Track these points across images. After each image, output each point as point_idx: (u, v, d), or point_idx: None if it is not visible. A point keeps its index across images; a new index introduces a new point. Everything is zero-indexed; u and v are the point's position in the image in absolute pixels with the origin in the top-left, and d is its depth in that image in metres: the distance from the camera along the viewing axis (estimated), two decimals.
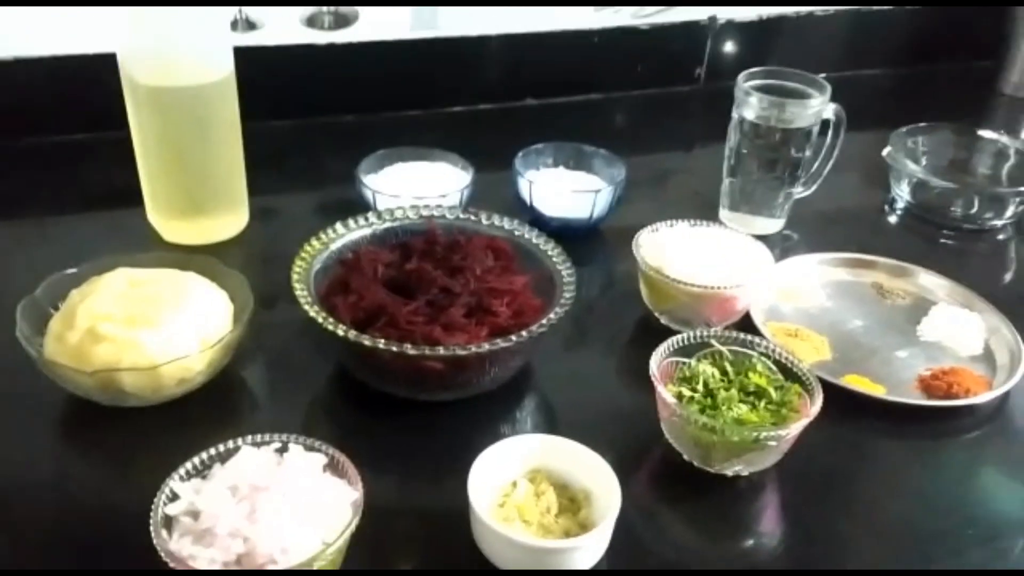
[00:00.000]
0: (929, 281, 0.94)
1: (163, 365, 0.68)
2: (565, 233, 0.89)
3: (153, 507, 0.56)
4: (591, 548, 0.60)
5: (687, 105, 1.35)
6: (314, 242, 0.79)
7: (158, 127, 0.86)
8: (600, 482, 0.63)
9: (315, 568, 0.54)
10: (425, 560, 0.63)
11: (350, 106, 1.20)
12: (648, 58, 1.32)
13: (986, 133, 1.18)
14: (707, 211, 1.02)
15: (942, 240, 1.06)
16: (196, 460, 0.59)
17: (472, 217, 0.84)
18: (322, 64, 1.16)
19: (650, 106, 1.33)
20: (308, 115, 1.17)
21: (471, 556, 0.62)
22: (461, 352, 0.68)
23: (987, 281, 0.95)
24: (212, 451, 0.59)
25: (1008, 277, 1.02)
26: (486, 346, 0.69)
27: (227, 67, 0.87)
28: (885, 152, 1.10)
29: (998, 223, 1.08)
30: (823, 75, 0.96)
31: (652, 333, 0.80)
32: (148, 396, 0.70)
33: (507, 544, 0.59)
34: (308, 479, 0.58)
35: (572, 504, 0.64)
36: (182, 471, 0.58)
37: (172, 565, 0.53)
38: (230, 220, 0.94)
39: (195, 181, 0.89)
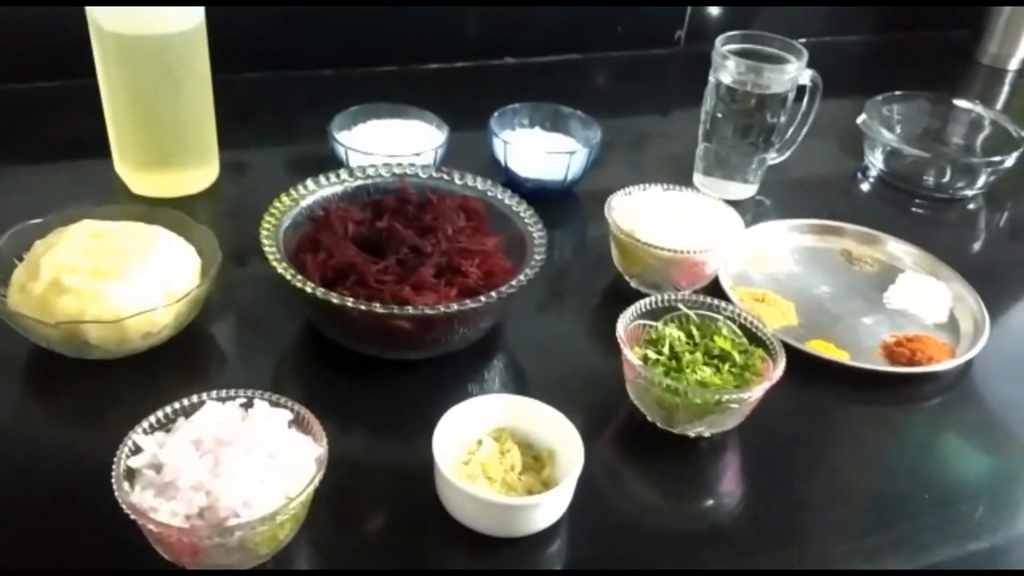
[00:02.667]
0: (897, 249, 0.94)
1: (128, 318, 0.67)
2: (539, 195, 0.89)
3: (116, 459, 0.55)
4: (552, 505, 0.61)
5: (666, 68, 1.35)
6: (284, 198, 0.78)
7: (126, 77, 0.85)
8: (564, 442, 0.64)
9: (278, 521, 0.54)
10: (389, 516, 0.63)
11: (325, 60, 1.18)
12: (629, 19, 1.31)
13: (961, 103, 1.18)
14: (682, 175, 1.03)
15: (913, 209, 1.07)
16: (160, 413, 0.59)
17: (445, 176, 0.84)
18: (296, 16, 1.14)
19: (629, 68, 1.32)
20: (281, 68, 1.16)
21: (435, 512, 0.62)
22: (429, 312, 0.68)
23: (955, 250, 0.96)
24: (176, 405, 0.59)
25: (976, 247, 1.03)
26: (455, 306, 0.69)
27: (197, 16, 0.85)
28: (860, 120, 1.10)
29: (969, 193, 1.09)
30: (802, 40, 0.96)
31: (623, 296, 0.80)
32: (113, 349, 0.69)
33: (469, 500, 0.60)
34: (273, 434, 0.58)
35: (536, 463, 0.65)
36: (146, 424, 0.58)
37: (133, 517, 0.53)
38: (200, 173, 0.93)
39: (163, 133, 0.88)
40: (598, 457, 0.67)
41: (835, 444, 0.74)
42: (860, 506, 0.68)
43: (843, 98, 1.10)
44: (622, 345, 0.69)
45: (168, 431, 0.58)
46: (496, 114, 0.99)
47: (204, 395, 0.60)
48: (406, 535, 0.62)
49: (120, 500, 0.53)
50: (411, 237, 0.76)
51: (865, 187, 1.11)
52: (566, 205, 0.98)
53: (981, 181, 1.07)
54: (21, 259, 0.73)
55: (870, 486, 0.70)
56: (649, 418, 0.71)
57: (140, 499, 0.54)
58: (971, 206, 1.08)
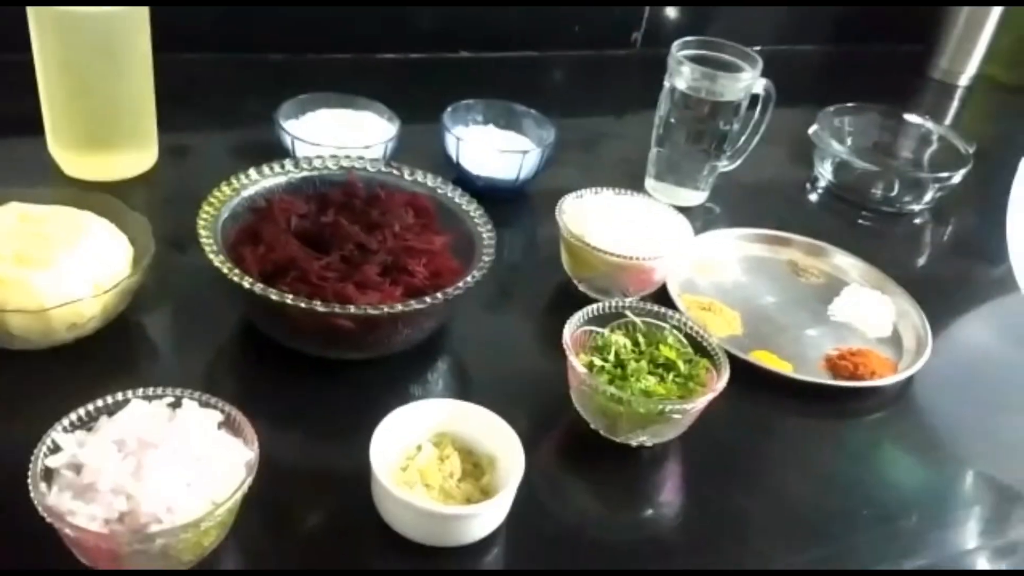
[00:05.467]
0: (843, 262, 0.95)
1: (52, 308, 0.64)
2: (491, 193, 0.88)
3: (33, 458, 0.53)
4: (490, 515, 0.60)
5: (623, 70, 1.34)
6: (224, 187, 0.75)
7: (63, 54, 0.81)
8: (505, 448, 0.62)
9: (202, 528, 0.52)
10: (323, 522, 0.61)
11: (274, 45, 1.15)
12: (586, 19, 1.30)
13: (911, 117, 1.19)
14: (635, 178, 1.02)
15: (860, 221, 1.08)
16: (82, 411, 0.56)
17: (395, 171, 0.82)
18: None
19: (586, 68, 1.31)
20: (228, 50, 1.12)
21: (371, 519, 0.60)
22: (373, 312, 0.66)
23: (901, 265, 0.97)
24: (100, 402, 0.57)
25: (921, 262, 1.05)
26: (399, 307, 0.67)
27: None
28: (811, 130, 1.11)
29: (916, 207, 1.10)
30: (758, 48, 0.96)
31: (571, 300, 0.79)
32: (37, 340, 0.66)
33: (404, 508, 0.58)
34: (201, 437, 0.56)
35: (476, 470, 0.63)
36: (66, 422, 0.55)
37: (49, 520, 0.50)
38: (137, 156, 0.89)
39: (100, 113, 0.84)
40: (539, 465, 0.66)
41: (776, 456, 0.74)
42: (800, 519, 0.68)
43: (796, 108, 1.10)
44: (568, 352, 0.68)
45: (90, 430, 0.56)
46: (449, 109, 0.97)
47: (130, 393, 0.57)
48: (339, 542, 0.60)
49: (36, 502, 0.51)
50: (357, 233, 0.74)
51: (813, 198, 1.12)
52: (517, 205, 0.97)
53: (928, 196, 1.09)
54: None
55: (810, 499, 0.70)
56: (592, 426, 0.70)
57: (57, 501, 0.51)
58: (917, 221, 1.10)
